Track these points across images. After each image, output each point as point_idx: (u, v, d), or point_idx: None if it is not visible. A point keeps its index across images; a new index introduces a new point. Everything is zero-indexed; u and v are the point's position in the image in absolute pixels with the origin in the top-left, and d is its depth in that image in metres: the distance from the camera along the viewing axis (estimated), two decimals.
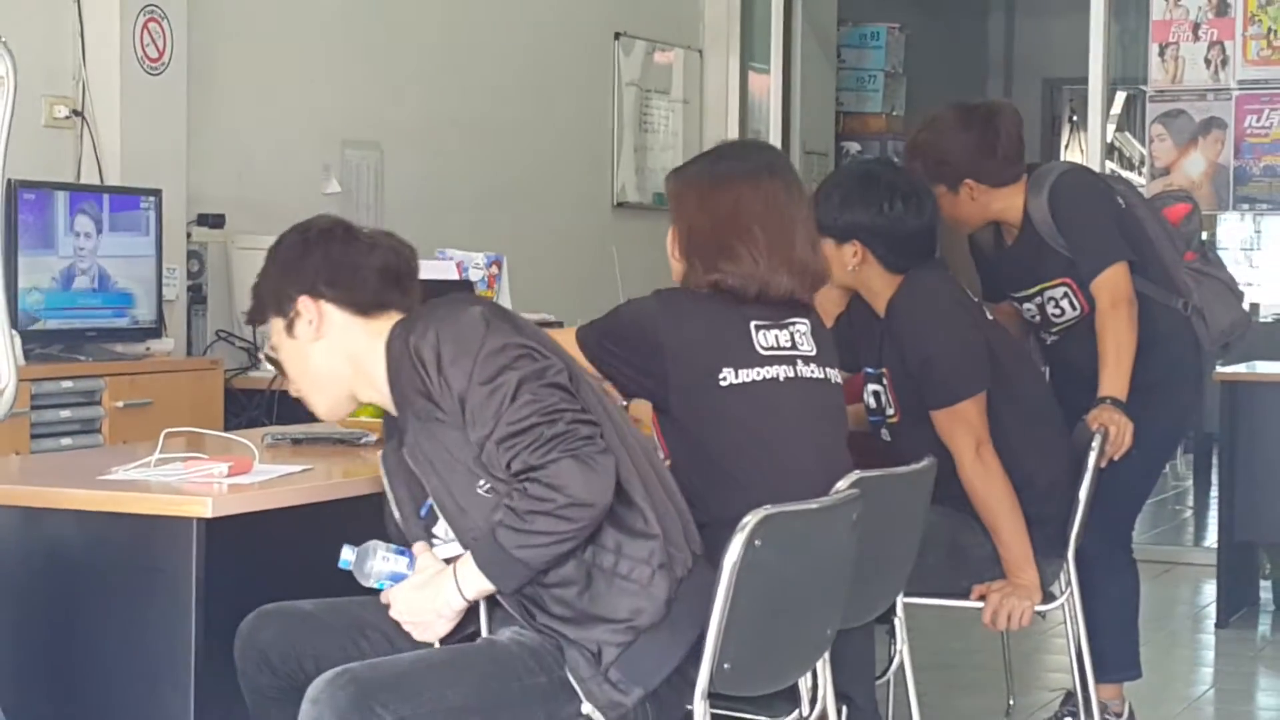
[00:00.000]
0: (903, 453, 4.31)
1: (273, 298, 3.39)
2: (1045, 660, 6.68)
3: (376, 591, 3.28)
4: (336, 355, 3.35)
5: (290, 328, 3.37)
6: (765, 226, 3.70)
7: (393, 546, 3.31)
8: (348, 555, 3.30)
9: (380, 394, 3.33)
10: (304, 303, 3.34)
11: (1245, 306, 5.24)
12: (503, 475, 3.11)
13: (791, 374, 3.69)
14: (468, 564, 3.13)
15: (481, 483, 3.15)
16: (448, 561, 3.21)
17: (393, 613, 3.24)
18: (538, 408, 3.07)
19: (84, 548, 3.36)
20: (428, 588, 3.19)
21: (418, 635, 3.22)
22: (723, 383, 3.59)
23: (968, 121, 4.98)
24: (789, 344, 3.70)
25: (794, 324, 3.73)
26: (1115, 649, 5.10)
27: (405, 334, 3.21)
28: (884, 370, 4.55)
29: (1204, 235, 5.34)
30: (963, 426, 4.44)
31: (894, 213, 4.49)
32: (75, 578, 3.37)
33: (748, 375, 3.63)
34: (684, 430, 3.60)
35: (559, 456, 3.04)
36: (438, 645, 3.22)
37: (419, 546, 3.27)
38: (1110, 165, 8.82)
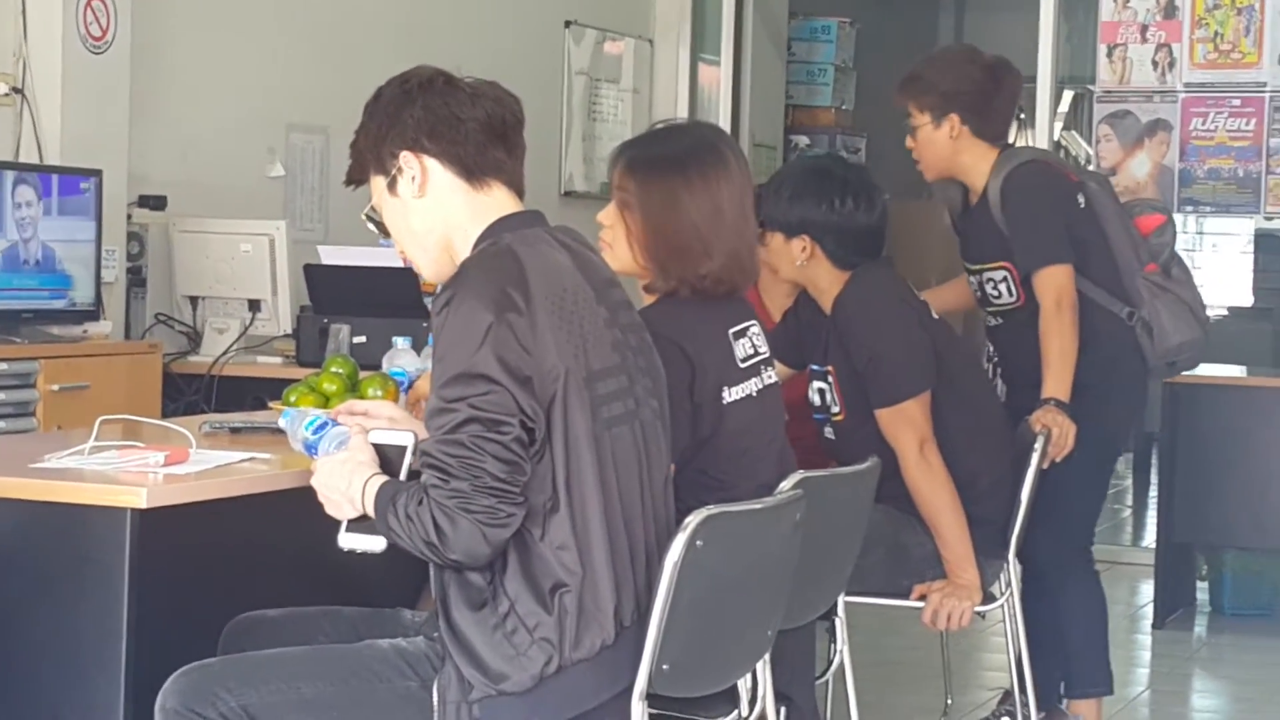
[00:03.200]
0: (847, 450, 4.30)
1: (373, 153, 3.22)
2: (983, 659, 6.69)
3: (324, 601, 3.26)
4: (436, 217, 3.20)
5: (392, 185, 3.21)
6: (735, 212, 3.62)
7: (322, 418, 3.31)
8: (282, 422, 3.40)
9: None
10: (406, 158, 3.18)
11: (1203, 330, 5.16)
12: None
13: (761, 385, 3.72)
14: (374, 485, 3.05)
15: None
16: (378, 447, 3.13)
17: (313, 479, 3.16)
18: (464, 459, 2.93)
19: (14, 536, 3.30)
20: (347, 470, 3.10)
21: (326, 508, 3.13)
22: (725, 400, 3.58)
23: (976, 60, 5.05)
24: (754, 351, 3.70)
25: (751, 326, 3.72)
26: (1085, 663, 5.08)
27: (447, 287, 3.06)
28: (829, 368, 4.54)
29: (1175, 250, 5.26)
30: (906, 425, 4.43)
31: (845, 209, 4.47)
32: (4, 568, 3.30)
33: (738, 392, 3.65)
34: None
35: (459, 516, 2.92)
36: (344, 527, 3.11)
37: (356, 429, 3.20)
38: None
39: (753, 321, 3.74)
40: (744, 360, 3.67)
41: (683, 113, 9.51)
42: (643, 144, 3.74)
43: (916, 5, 12.58)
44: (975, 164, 5.02)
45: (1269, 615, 7.53)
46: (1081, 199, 5.06)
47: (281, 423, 3.53)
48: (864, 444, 4.28)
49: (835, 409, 4.55)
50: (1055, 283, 4.90)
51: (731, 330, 3.67)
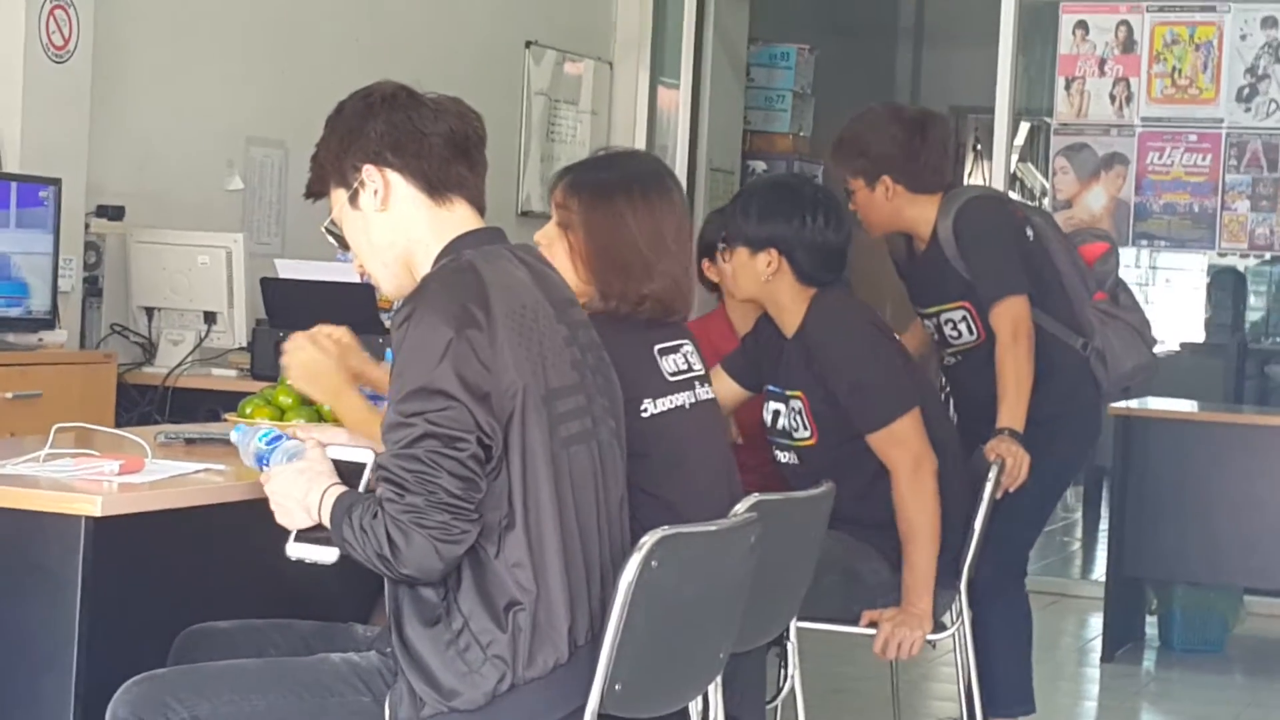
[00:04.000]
0: (813, 475, 4.30)
1: (334, 166, 3.22)
2: (932, 689, 6.70)
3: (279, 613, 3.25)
4: (398, 231, 3.19)
5: (354, 199, 3.21)
6: (676, 236, 3.67)
7: (276, 430, 3.34)
8: (234, 436, 3.40)
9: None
10: (369, 171, 3.18)
11: (1152, 352, 5.23)
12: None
13: (694, 399, 3.71)
14: (332, 494, 3.05)
15: None
16: (335, 464, 3.12)
17: (266, 486, 3.16)
18: (420, 474, 2.92)
19: None
20: (304, 479, 3.09)
21: (278, 516, 3.12)
22: (644, 414, 3.57)
23: (898, 119, 5.05)
24: (686, 367, 3.71)
25: (684, 344, 3.73)
26: (1008, 682, 5.11)
27: (407, 302, 3.06)
28: (798, 393, 4.52)
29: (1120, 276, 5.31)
30: (898, 446, 4.42)
31: (815, 225, 4.48)
32: None
33: (663, 404, 3.63)
34: None
35: (413, 530, 2.91)
36: (292, 536, 3.11)
37: (313, 443, 3.20)
38: (1013, 195, 8.87)
39: (685, 341, 3.75)
40: (673, 374, 3.67)
41: (641, 135, 9.53)
42: (586, 167, 3.79)
43: (876, 35, 12.62)
44: (919, 215, 5.06)
45: (1218, 651, 7.56)
46: (1030, 232, 5.10)
47: (233, 436, 3.53)
48: (833, 469, 4.29)
49: (802, 433, 4.54)
50: (1012, 313, 4.92)
51: (658, 346, 3.67)
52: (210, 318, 6.31)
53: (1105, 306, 5.14)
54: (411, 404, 2.96)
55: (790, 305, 4.53)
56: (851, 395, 4.44)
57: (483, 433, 2.97)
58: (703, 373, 3.77)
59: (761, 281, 4.52)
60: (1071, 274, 5.13)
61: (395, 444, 2.97)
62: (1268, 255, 9.37)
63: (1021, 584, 5.23)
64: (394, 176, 3.19)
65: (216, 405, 5.80)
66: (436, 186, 3.19)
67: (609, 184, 3.67)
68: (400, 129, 3.18)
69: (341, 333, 3.84)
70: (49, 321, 5.87)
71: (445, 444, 2.94)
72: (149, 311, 6.40)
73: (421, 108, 3.20)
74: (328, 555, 3.08)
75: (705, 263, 5.16)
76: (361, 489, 3.08)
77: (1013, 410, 4.86)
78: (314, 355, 3.75)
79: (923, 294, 5.15)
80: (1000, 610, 5.09)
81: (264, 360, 6.00)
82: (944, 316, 5.08)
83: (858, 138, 5.04)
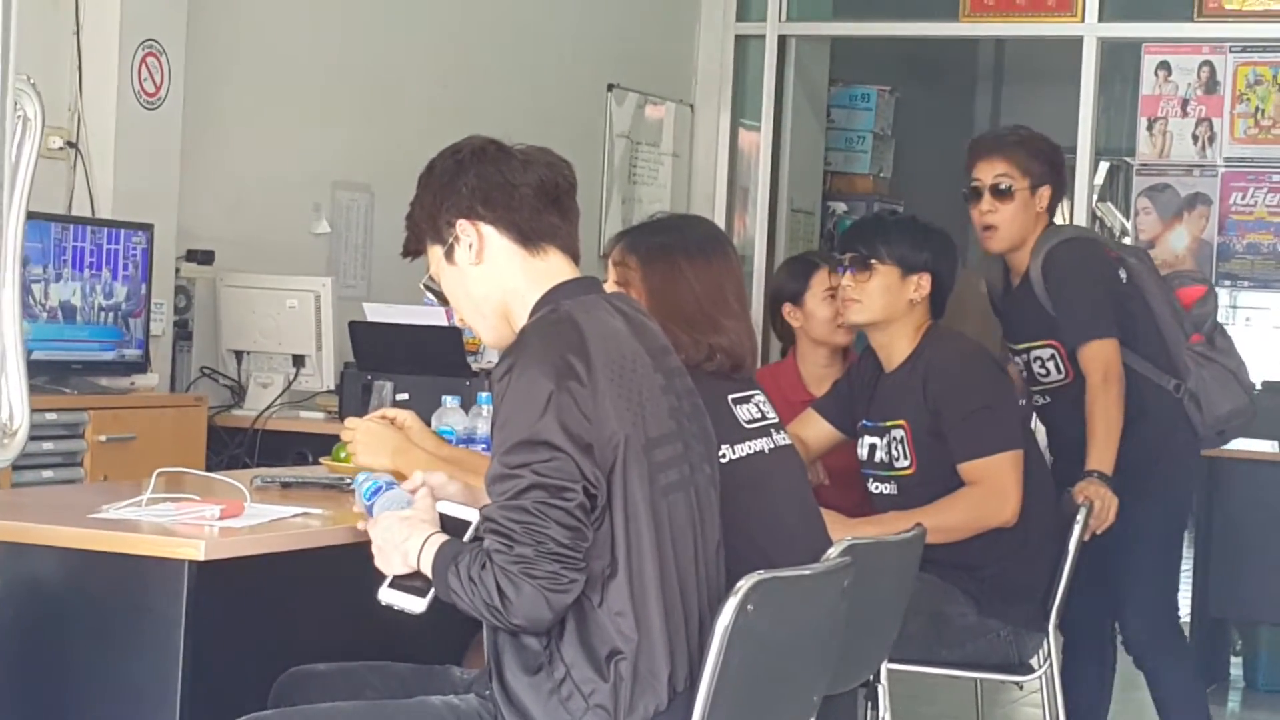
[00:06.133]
0: (910, 505, 4.35)
1: (429, 223, 3.26)
2: None
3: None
4: (494, 284, 3.23)
5: (450, 254, 3.24)
6: (737, 298, 3.74)
7: (379, 482, 3.39)
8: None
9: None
10: (463, 226, 3.22)
11: (1249, 396, 5.19)
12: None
13: (772, 445, 3.75)
14: (434, 543, 3.09)
15: None
16: (442, 517, 3.16)
17: (369, 530, 3.20)
18: (529, 525, 2.95)
19: (73, 585, 3.34)
20: (407, 526, 3.14)
21: (376, 560, 3.16)
22: (723, 460, 3.60)
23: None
24: (760, 415, 3.74)
25: (755, 395, 3.77)
26: None
27: (507, 354, 3.11)
28: (900, 422, 4.56)
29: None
30: (992, 480, 4.48)
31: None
32: (62, 616, 3.35)
33: (742, 450, 3.67)
34: None
35: (522, 581, 2.94)
36: (386, 581, 3.15)
37: (423, 493, 3.24)
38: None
39: (757, 392, 3.79)
40: (749, 422, 3.71)
41: (722, 177, 9.56)
42: (643, 230, 3.88)
43: (956, 76, 12.63)
44: (1032, 241, 5.06)
45: None
46: (1124, 274, 5.09)
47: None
48: (931, 498, 4.40)
49: (902, 462, 4.56)
50: (1102, 357, 4.92)
51: (731, 396, 3.71)
52: (299, 361, 6.37)
53: (1201, 349, 5.12)
54: (517, 456, 2.99)
55: (909, 334, 4.60)
56: (963, 422, 4.47)
57: (588, 482, 3.00)
58: (777, 421, 3.80)
59: (905, 303, 4.57)
60: (1167, 316, 5.11)
61: (502, 495, 2.99)
62: None
63: (1181, 638, 5.19)
64: (487, 229, 3.22)
65: (305, 448, 5.88)
66: (530, 237, 3.22)
67: (667, 244, 3.75)
68: (490, 182, 3.22)
69: (407, 416, 3.94)
70: (141, 365, 5.95)
71: (552, 494, 2.96)
72: (238, 355, 6.47)
73: (510, 160, 3.24)
74: (416, 605, 3.12)
75: (787, 307, 5.19)
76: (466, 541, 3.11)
77: (1102, 453, 4.85)
78: (371, 427, 3.88)
79: (1015, 330, 5.15)
80: (1170, 665, 5.07)
81: (351, 403, 6.05)
82: (1033, 354, 5.08)
83: (1044, 142, 5.07)
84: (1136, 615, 4.91)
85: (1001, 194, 5.02)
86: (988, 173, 5.05)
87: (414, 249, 3.34)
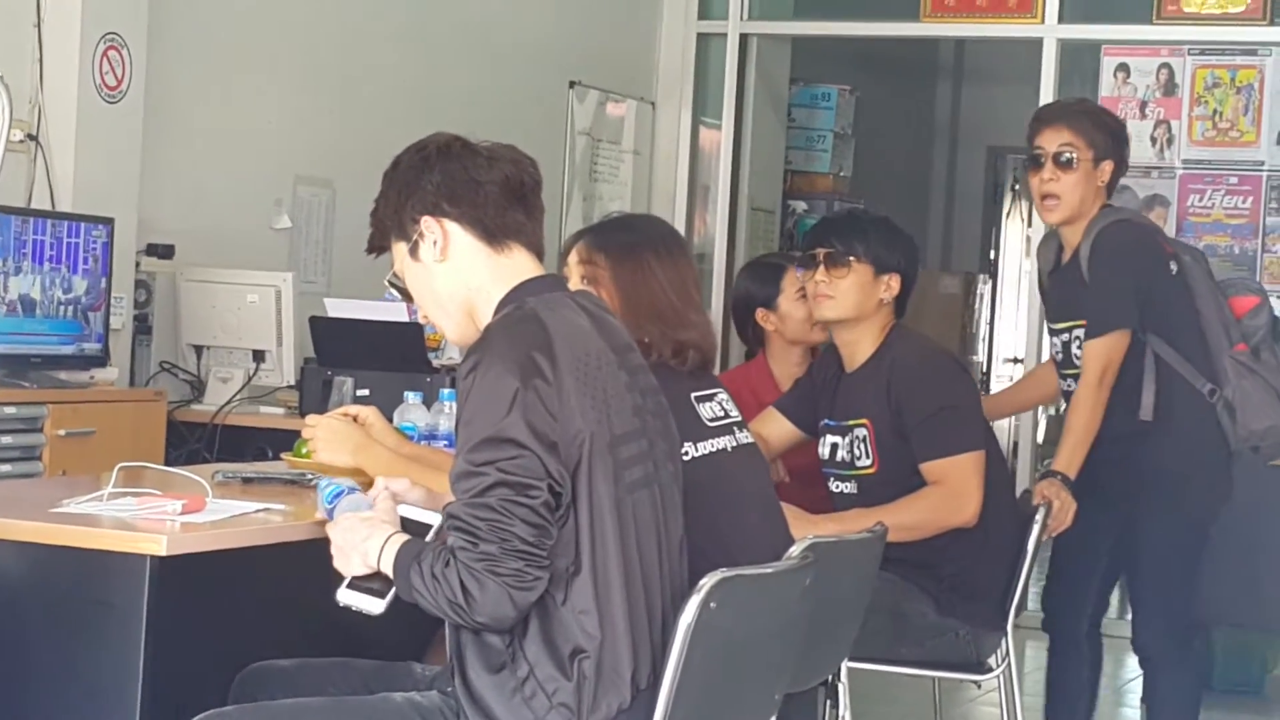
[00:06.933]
0: (871, 503, 4.38)
1: (394, 220, 3.26)
2: None
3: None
4: (459, 280, 3.23)
5: (414, 250, 3.24)
6: (697, 294, 3.78)
7: (340, 486, 3.42)
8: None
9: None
10: (428, 223, 3.21)
11: None
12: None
13: (735, 443, 3.77)
14: (395, 542, 3.08)
15: None
16: (403, 520, 3.16)
17: (329, 531, 3.19)
18: (493, 522, 2.95)
19: (33, 579, 3.33)
20: (367, 526, 3.13)
21: (335, 561, 3.15)
22: (685, 458, 3.61)
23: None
24: (723, 414, 3.76)
25: (718, 393, 3.79)
26: None
27: (472, 351, 3.10)
28: (863, 421, 4.58)
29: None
30: (953, 479, 4.50)
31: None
32: (22, 610, 3.33)
33: (704, 448, 3.68)
34: None
35: (487, 578, 2.94)
36: (345, 582, 3.14)
37: (385, 495, 3.23)
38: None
39: (719, 390, 3.82)
40: (712, 420, 3.73)
41: (683, 175, 9.57)
42: (605, 228, 3.90)
43: (916, 75, 12.66)
44: (1089, 218, 4.98)
45: (1258, 693, 7.54)
46: (1174, 266, 4.99)
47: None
48: (892, 497, 4.44)
49: (864, 461, 4.58)
50: (1105, 353, 4.84)
51: (695, 394, 3.73)
52: (259, 356, 6.36)
53: (1245, 359, 4.97)
54: (482, 453, 2.99)
55: (874, 333, 4.63)
56: (926, 422, 4.49)
57: (553, 480, 3.00)
58: (740, 419, 3.83)
59: (875, 302, 4.60)
60: (1213, 318, 4.98)
61: (466, 493, 2.99)
62: None
63: (1189, 650, 5.12)
64: (452, 226, 3.22)
65: (265, 443, 5.87)
66: (495, 234, 3.22)
67: (635, 242, 3.78)
68: (456, 179, 3.22)
69: (369, 412, 3.96)
70: (101, 360, 5.92)
71: (517, 492, 2.97)
72: (198, 349, 6.45)
73: (476, 157, 3.24)
74: (375, 606, 3.12)
75: (760, 312, 5.20)
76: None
77: (1071, 455, 4.81)
78: (332, 423, 3.91)
79: (1057, 308, 5.07)
80: (1170, 676, 5.07)
81: (312, 398, 6.05)
82: (1074, 332, 4.99)
83: (1111, 117, 5.06)
84: (1145, 626, 4.89)
85: (1064, 164, 4.96)
86: (1052, 141, 4.99)
87: (378, 245, 3.33)
